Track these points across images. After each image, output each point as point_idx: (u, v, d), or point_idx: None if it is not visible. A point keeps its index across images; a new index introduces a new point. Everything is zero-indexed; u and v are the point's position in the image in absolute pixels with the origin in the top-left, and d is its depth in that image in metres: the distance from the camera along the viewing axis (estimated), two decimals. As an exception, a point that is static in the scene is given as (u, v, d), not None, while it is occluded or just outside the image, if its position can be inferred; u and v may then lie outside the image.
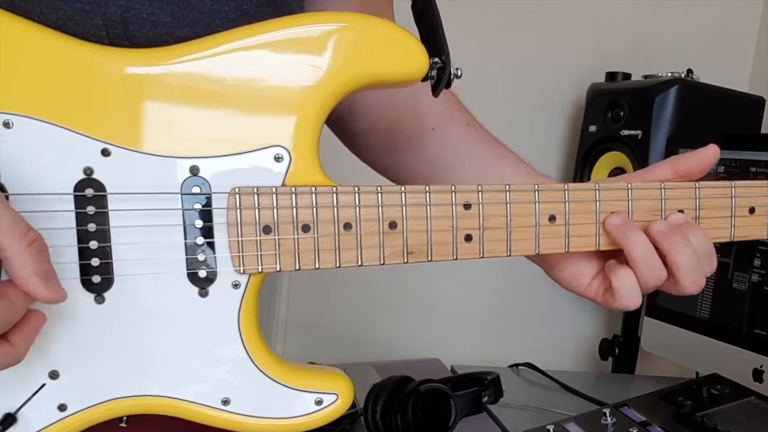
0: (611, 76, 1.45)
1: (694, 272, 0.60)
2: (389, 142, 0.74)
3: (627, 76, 1.44)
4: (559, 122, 1.61)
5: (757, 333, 1.09)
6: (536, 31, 1.56)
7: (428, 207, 0.57)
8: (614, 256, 0.62)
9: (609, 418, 0.90)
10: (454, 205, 0.58)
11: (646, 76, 1.39)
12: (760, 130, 1.42)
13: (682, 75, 1.35)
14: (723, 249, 1.15)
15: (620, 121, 1.37)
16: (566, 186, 0.60)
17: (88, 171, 0.51)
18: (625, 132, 1.36)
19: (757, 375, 1.07)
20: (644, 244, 0.59)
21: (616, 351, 1.47)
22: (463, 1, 1.44)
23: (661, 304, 1.28)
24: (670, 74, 1.35)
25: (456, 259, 0.58)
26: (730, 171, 1.14)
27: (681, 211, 0.62)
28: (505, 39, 1.54)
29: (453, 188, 0.58)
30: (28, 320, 0.48)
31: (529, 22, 1.55)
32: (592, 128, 1.43)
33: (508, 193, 0.58)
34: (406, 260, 0.57)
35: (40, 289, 0.47)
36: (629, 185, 0.61)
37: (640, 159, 1.32)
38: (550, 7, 1.54)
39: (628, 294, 0.61)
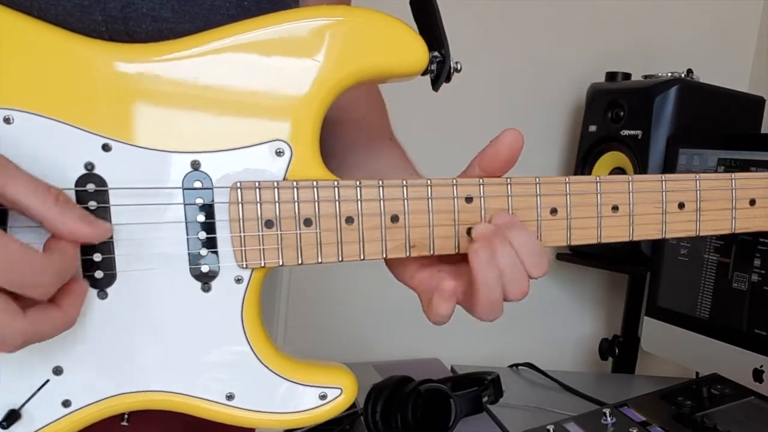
0: (611, 76, 1.45)
1: (517, 281, 0.55)
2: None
3: (627, 76, 1.44)
4: (559, 122, 1.61)
5: (757, 333, 1.09)
6: (536, 31, 1.56)
7: (430, 200, 0.57)
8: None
9: (609, 418, 0.90)
10: (455, 199, 0.58)
11: (646, 76, 1.39)
12: (760, 130, 1.42)
13: (682, 75, 1.35)
14: (723, 249, 1.15)
15: (620, 121, 1.37)
16: (567, 179, 0.60)
17: (90, 166, 0.51)
18: (625, 132, 1.36)
19: (757, 375, 1.07)
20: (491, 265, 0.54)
21: (616, 351, 1.47)
22: (463, 1, 1.44)
23: (661, 304, 1.28)
24: (670, 74, 1.35)
25: (458, 252, 0.58)
26: (729, 171, 1.14)
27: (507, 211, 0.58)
28: (505, 39, 1.54)
29: (454, 182, 0.58)
30: (75, 285, 0.49)
31: (528, 22, 1.55)
32: (592, 128, 1.43)
33: (509, 186, 0.58)
34: (408, 254, 0.57)
35: (88, 230, 0.48)
36: (630, 178, 0.61)
37: (640, 159, 1.32)
38: (550, 7, 1.54)
39: (439, 318, 0.57)
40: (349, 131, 0.70)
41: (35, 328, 0.46)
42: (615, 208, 0.60)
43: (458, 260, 0.58)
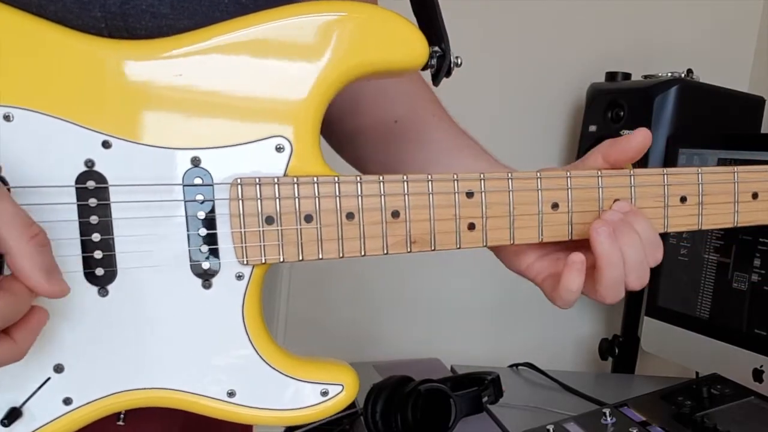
0: (611, 76, 1.45)
1: (638, 268, 0.58)
2: (376, 138, 0.72)
3: (627, 76, 1.44)
4: (559, 122, 1.61)
5: (757, 333, 1.09)
6: (536, 31, 1.56)
7: (431, 196, 0.57)
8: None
9: (609, 418, 0.90)
10: (456, 194, 0.57)
11: (646, 76, 1.39)
12: (760, 130, 1.42)
13: (682, 75, 1.35)
14: (723, 249, 1.15)
15: (620, 121, 1.37)
16: (569, 173, 0.60)
17: (90, 163, 0.51)
18: (625, 132, 1.35)
19: (757, 375, 1.07)
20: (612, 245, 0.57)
21: (616, 351, 1.47)
22: (463, 1, 1.44)
23: (661, 304, 1.28)
24: (670, 74, 1.35)
25: (459, 248, 0.58)
26: (730, 171, 1.14)
27: (617, 199, 0.61)
28: (505, 39, 1.54)
29: (455, 177, 0.57)
30: (32, 317, 0.48)
31: (529, 21, 1.55)
32: (592, 128, 1.43)
33: (510, 180, 0.58)
34: (409, 249, 0.57)
35: (43, 284, 0.46)
36: (632, 172, 0.61)
37: (640, 159, 1.32)
38: (550, 7, 1.54)
39: (569, 294, 0.58)
40: (437, 135, 0.71)
41: None
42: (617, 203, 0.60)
43: (575, 248, 0.59)
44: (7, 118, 0.50)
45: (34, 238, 0.46)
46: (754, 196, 0.64)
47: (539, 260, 0.62)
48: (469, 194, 0.58)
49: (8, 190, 0.49)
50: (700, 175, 0.62)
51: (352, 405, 1.04)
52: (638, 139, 0.61)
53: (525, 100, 1.57)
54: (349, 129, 0.73)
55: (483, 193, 0.58)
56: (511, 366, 1.38)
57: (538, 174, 0.59)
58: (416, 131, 0.70)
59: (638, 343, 1.45)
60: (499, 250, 0.65)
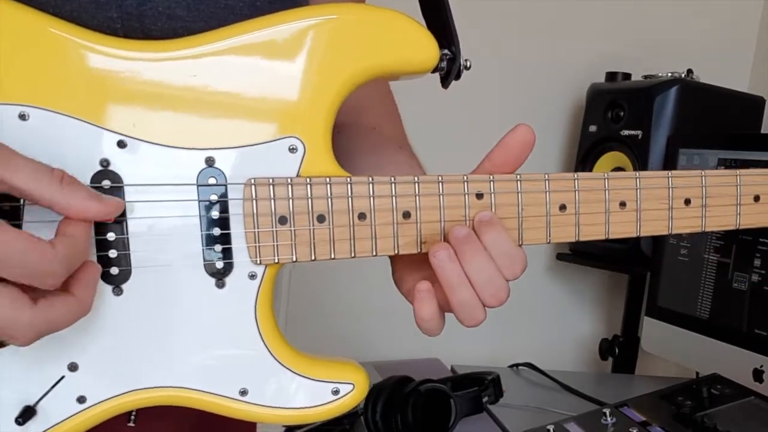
0: (611, 76, 1.45)
1: (489, 285, 0.55)
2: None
3: (627, 76, 1.44)
4: (559, 122, 1.61)
5: (757, 333, 1.09)
6: (536, 31, 1.56)
7: (441, 197, 0.57)
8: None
9: (609, 418, 0.90)
10: (466, 195, 0.58)
11: (646, 76, 1.39)
12: (760, 130, 1.42)
13: (682, 75, 1.35)
14: (723, 249, 1.15)
15: (620, 121, 1.37)
16: (576, 175, 0.60)
17: (105, 163, 0.52)
18: (625, 132, 1.36)
19: (757, 375, 1.07)
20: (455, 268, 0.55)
21: (616, 351, 1.47)
22: (463, 1, 1.44)
23: (661, 304, 1.28)
24: (670, 74, 1.35)
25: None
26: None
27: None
28: (505, 39, 1.54)
29: (465, 178, 0.58)
30: (86, 269, 0.48)
31: (529, 21, 1.55)
32: (592, 128, 1.43)
33: (519, 182, 0.59)
34: (419, 250, 0.57)
35: (99, 207, 0.48)
36: (638, 174, 0.61)
37: (640, 159, 1.32)
38: (550, 7, 1.54)
39: (423, 323, 0.57)
40: (355, 138, 0.69)
41: (47, 319, 0.46)
42: (623, 204, 0.61)
43: None
44: (22, 117, 0.50)
45: (62, 179, 0.47)
46: (756, 198, 0.64)
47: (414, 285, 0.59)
48: (479, 195, 0.58)
49: None
50: (703, 178, 0.63)
51: (353, 405, 1.04)
52: (518, 137, 0.58)
53: (525, 100, 1.57)
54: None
55: (492, 195, 0.58)
56: (511, 366, 1.38)
57: (546, 176, 0.59)
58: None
59: (638, 343, 1.45)
60: (393, 271, 0.63)
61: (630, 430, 0.87)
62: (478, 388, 1.01)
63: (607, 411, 0.91)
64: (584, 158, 1.45)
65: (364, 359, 1.38)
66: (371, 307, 1.56)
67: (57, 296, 0.47)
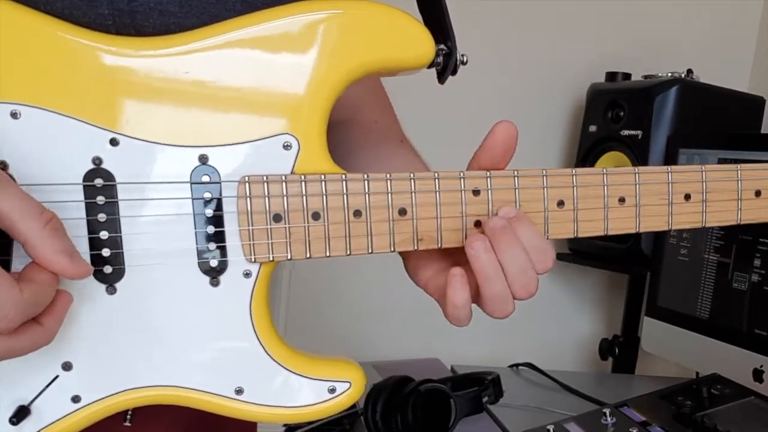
0: (611, 76, 1.45)
1: (522, 277, 0.55)
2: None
3: (627, 76, 1.44)
4: (559, 122, 1.61)
5: (757, 333, 1.09)
6: (536, 31, 1.56)
7: (437, 193, 0.57)
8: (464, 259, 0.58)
9: (609, 418, 0.90)
10: (462, 192, 0.58)
11: (646, 76, 1.39)
12: (760, 130, 1.42)
13: (682, 75, 1.35)
14: (723, 249, 1.15)
15: (620, 121, 1.37)
16: (574, 171, 0.60)
17: (97, 161, 0.51)
18: (625, 132, 1.36)
19: (757, 375, 1.07)
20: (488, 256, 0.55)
21: (616, 351, 1.47)
22: (463, 1, 1.44)
23: (661, 304, 1.28)
24: (670, 74, 1.35)
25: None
26: (730, 171, 1.14)
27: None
28: (506, 39, 1.54)
29: (462, 174, 0.58)
30: (57, 301, 0.48)
31: (529, 21, 1.55)
32: (592, 128, 1.43)
33: (516, 178, 0.59)
34: (416, 247, 0.57)
35: (67, 266, 0.47)
36: (637, 170, 0.61)
37: (640, 159, 1.33)
38: (550, 7, 1.54)
39: (455, 310, 0.56)
40: (356, 133, 0.69)
41: (8, 347, 0.46)
42: (622, 200, 0.61)
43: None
44: (14, 115, 0.50)
45: (49, 223, 0.46)
46: (757, 193, 0.64)
47: (437, 276, 0.60)
48: (476, 192, 0.58)
49: None
50: (703, 172, 0.62)
51: (353, 405, 1.04)
52: (499, 135, 0.57)
53: (525, 100, 1.57)
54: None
55: (489, 191, 0.58)
56: (511, 366, 1.38)
57: (544, 172, 0.59)
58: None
59: (638, 343, 1.45)
60: (406, 263, 0.63)
61: (630, 430, 0.87)
62: (478, 388, 1.01)
63: (607, 411, 0.91)
64: (584, 158, 1.45)
65: (364, 359, 1.38)
66: (371, 307, 1.56)
67: (24, 325, 0.46)
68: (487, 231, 0.56)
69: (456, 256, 0.59)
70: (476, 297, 0.57)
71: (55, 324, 0.48)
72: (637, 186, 0.61)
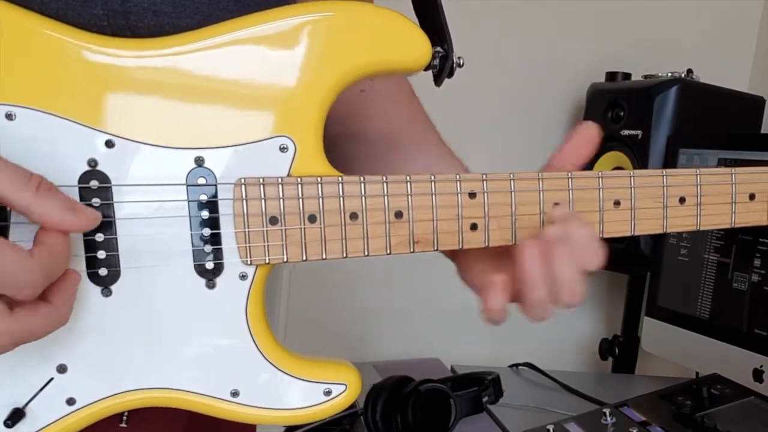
0: (611, 76, 1.45)
1: (570, 285, 0.56)
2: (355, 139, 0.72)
3: (627, 76, 1.44)
4: (559, 122, 1.61)
5: (757, 333, 1.09)
6: (536, 31, 1.55)
7: (434, 196, 0.57)
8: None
9: (609, 418, 0.90)
10: (459, 194, 0.58)
11: (646, 76, 1.39)
12: (760, 130, 1.41)
13: (682, 75, 1.35)
14: (723, 249, 1.15)
15: (620, 121, 1.37)
16: (570, 174, 0.60)
17: (93, 163, 0.51)
18: (625, 132, 1.36)
19: (757, 375, 1.07)
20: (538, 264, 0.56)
21: (616, 351, 1.47)
22: (463, 1, 1.44)
23: (661, 304, 1.28)
24: (670, 74, 1.35)
25: (462, 248, 0.58)
26: (730, 171, 1.14)
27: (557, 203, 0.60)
28: (506, 39, 1.54)
29: (458, 177, 0.58)
30: (65, 279, 0.48)
31: (529, 21, 1.55)
32: (592, 128, 1.43)
33: (512, 181, 0.59)
34: (412, 250, 0.57)
35: (74, 220, 0.47)
36: (632, 173, 0.61)
37: (640, 159, 1.32)
38: (550, 7, 1.54)
39: (489, 314, 0.57)
40: (416, 140, 0.70)
41: (24, 327, 0.45)
42: (617, 203, 0.61)
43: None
44: (9, 116, 0.50)
45: (40, 187, 0.46)
46: (751, 197, 0.64)
47: (481, 274, 0.61)
48: (472, 195, 0.58)
49: None
50: (698, 176, 0.63)
51: (352, 405, 1.04)
52: (586, 135, 0.60)
53: (525, 100, 1.57)
54: (339, 132, 0.72)
55: (485, 194, 0.58)
56: (511, 366, 1.38)
57: (540, 175, 0.59)
58: (402, 144, 0.70)
59: (638, 343, 1.45)
60: (455, 261, 0.64)
61: (630, 430, 0.87)
62: (478, 388, 1.01)
63: (607, 411, 0.91)
64: (584, 158, 1.45)
65: (364, 359, 1.38)
66: (371, 307, 1.56)
67: (35, 305, 0.46)
68: (541, 239, 0.56)
69: (506, 256, 0.60)
70: (516, 297, 0.58)
71: (66, 302, 0.48)
72: (633, 189, 0.61)
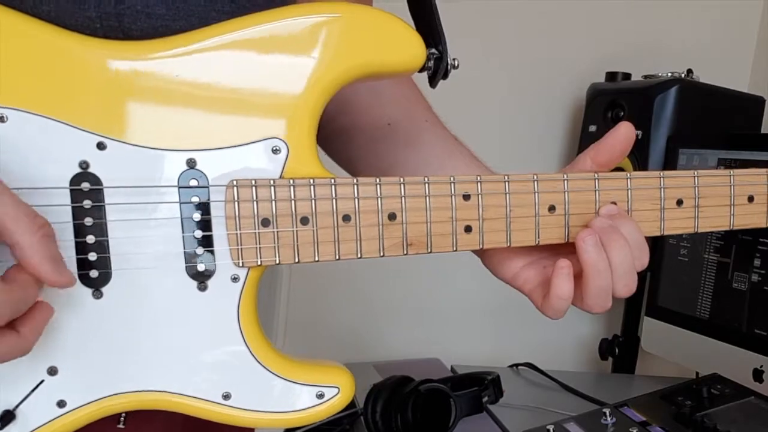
0: (611, 76, 1.45)
1: (626, 275, 0.57)
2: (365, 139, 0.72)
3: (627, 76, 1.44)
4: (559, 122, 1.61)
5: (757, 333, 1.09)
6: (536, 31, 1.55)
7: (427, 198, 0.57)
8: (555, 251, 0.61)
9: (609, 418, 0.90)
10: (453, 196, 0.57)
11: (646, 76, 1.39)
12: (760, 130, 1.41)
13: (682, 75, 1.35)
14: (723, 249, 1.15)
15: (620, 121, 1.37)
16: (565, 176, 0.60)
17: (84, 165, 0.51)
18: (625, 132, 1.36)
19: (757, 375, 1.07)
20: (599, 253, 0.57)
21: (616, 351, 1.47)
22: (462, 1, 1.44)
23: (661, 304, 1.28)
24: (670, 74, 1.35)
25: (456, 250, 0.58)
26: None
27: (613, 202, 0.61)
28: (506, 39, 1.54)
29: (452, 179, 0.57)
30: (37, 311, 0.48)
31: (529, 21, 1.55)
32: (592, 128, 1.43)
33: (507, 183, 0.58)
34: (405, 252, 0.57)
35: (51, 274, 0.47)
36: (629, 175, 0.61)
37: (640, 159, 1.32)
38: (550, 7, 1.54)
39: (559, 302, 0.58)
40: (436, 140, 0.70)
41: None
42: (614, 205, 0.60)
43: (563, 255, 0.59)
44: (1, 118, 0.50)
45: (41, 228, 0.46)
46: (750, 199, 0.64)
47: (526, 268, 0.62)
48: (466, 197, 0.58)
49: None
50: (696, 178, 0.62)
51: (352, 405, 1.04)
52: (622, 134, 0.60)
53: (525, 100, 1.57)
54: (339, 128, 0.72)
55: (480, 196, 0.58)
56: (511, 366, 1.38)
57: (535, 176, 0.59)
58: (409, 135, 0.70)
59: (638, 343, 1.45)
60: (487, 258, 0.64)
61: (630, 430, 0.87)
62: (478, 388, 1.01)
63: (607, 411, 0.91)
64: (584, 158, 1.45)
65: (364, 359, 1.38)
66: (371, 308, 1.56)
67: (2, 332, 0.46)
68: (596, 227, 0.57)
69: (543, 249, 0.61)
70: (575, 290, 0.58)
71: (33, 334, 0.48)
72: (629, 191, 0.61)
